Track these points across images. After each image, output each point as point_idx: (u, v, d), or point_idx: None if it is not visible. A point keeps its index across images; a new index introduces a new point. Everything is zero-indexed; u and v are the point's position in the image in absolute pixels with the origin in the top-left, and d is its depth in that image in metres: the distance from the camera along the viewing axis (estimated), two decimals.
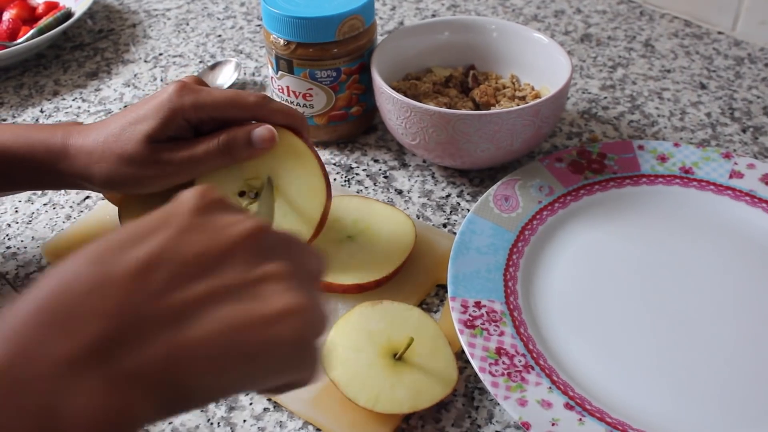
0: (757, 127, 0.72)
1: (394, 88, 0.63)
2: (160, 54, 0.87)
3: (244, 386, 0.30)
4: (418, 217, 0.63)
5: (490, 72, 0.72)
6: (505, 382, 0.46)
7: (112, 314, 0.27)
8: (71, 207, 0.65)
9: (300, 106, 0.67)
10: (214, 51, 0.87)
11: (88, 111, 0.77)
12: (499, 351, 0.48)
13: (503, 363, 0.48)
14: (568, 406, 0.45)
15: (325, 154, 0.70)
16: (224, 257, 0.30)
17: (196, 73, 0.82)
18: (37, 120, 0.76)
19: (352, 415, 0.46)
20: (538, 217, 0.59)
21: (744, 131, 0.72)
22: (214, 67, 0.81)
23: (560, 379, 0.47)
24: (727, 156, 0.63)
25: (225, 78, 0.80)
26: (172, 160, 0.50)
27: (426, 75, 0.71)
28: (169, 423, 0.48)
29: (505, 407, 0.45)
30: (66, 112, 0.77)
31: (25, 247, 0.62)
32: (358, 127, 0.71)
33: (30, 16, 0.88)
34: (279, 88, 0.68)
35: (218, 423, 0.48)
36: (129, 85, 0.81)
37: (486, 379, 0.46)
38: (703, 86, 0.78)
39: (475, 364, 0.47)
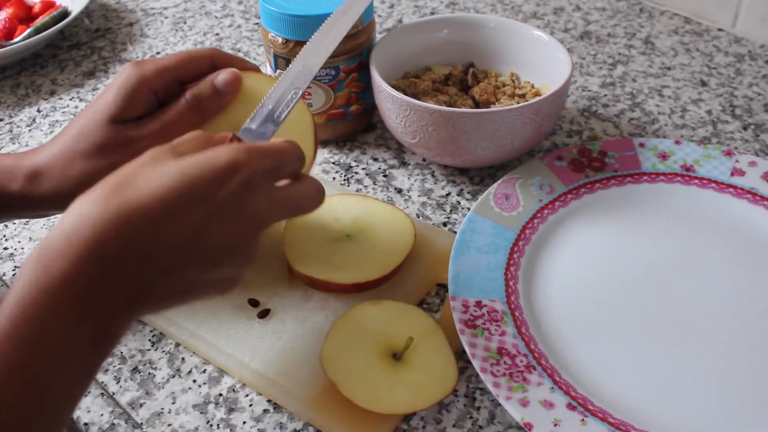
0: (758, 124, 0.72)
1: (393, 87, 0.62)
2: (158, 53, 0.87)
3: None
4: (418, 216, 0.62)
5: (489, 70, 0.71)
6: (506, 382, 0.46)
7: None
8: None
9: None
10: None
11: None
12: (501, 351, 0.48)
13: (505, 363, 0.47)
14: (570, 407, 0.45)
15: (324, 153, 0.69)
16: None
17: None
18: (34, 120, 0.76)
19: (352, 415, 0.46)
20: (538, 215, 0.59)
21: (745, 128, 0.71)
22: None
23: (562, 379, 0.47)
24: (729, 153, 0.63)
25: None
26: (141, 135, 0.48)
27: (425, 73, 0.70)
28: (169, 425, 0.47)
29: (507, 408, 0.45)
30: (63, 112, 0.77)
31: (23, 248, 0.61)
32: (357, 126, 0.70)
33: (26, 15, 0.87)
34: None
35: (218, 425, 0.47)
36: None
37: (487, 380, 0.46)
38: (703, 83, 0.78)
39: (476, 365, 0.47)
